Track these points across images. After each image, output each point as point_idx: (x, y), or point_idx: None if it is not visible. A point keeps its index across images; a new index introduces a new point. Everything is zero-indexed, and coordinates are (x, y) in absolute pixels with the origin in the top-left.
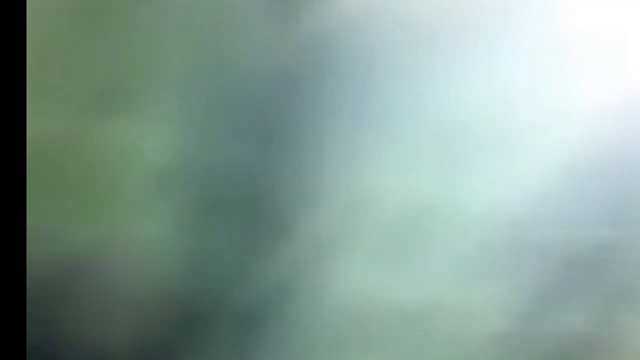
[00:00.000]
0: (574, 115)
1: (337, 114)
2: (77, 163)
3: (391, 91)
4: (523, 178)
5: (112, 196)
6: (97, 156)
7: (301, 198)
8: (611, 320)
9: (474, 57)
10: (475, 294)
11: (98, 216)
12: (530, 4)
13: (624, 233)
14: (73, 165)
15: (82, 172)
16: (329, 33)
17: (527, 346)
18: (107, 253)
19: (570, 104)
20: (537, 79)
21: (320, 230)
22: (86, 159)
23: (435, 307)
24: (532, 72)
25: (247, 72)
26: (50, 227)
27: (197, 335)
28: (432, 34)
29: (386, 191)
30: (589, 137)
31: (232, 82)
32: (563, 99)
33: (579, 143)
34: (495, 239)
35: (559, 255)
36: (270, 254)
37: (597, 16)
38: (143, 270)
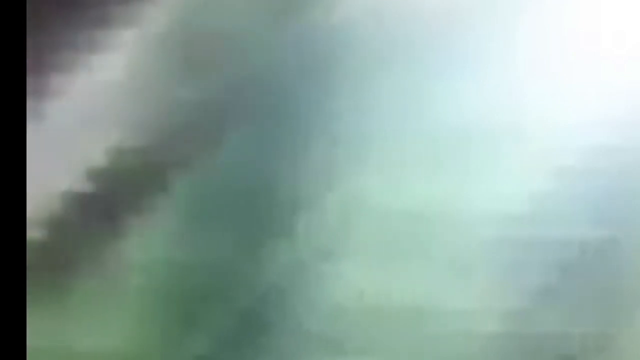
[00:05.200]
0: (573, 116)
1: (336, 118)
2: None
3: (391, 93)
4: (522, 178)
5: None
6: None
7: (300, 200)
8: (609, 320)
9: (472, 59)
10: (474, 294)
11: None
12: (534, 5)
13: (622, 233)
14: None
15: None
16: (328, 37)
17: (525, 346)
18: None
19: (569, 106)
20: (536, 81)
21: (320, 232)
22: None
23: (434, 307)
24: (531, 74)
25: (246, 73)
26: None
27: (197, 335)
28: (433, 35)
29: (385, 192)
30: (588, 138)
31: (232, 81)
32: (562, 100)
33: (578, 144)
34: (494, 238)
35: (557, 255)
36: (269, 256)
37: (597, 16)
38: (144, 268)
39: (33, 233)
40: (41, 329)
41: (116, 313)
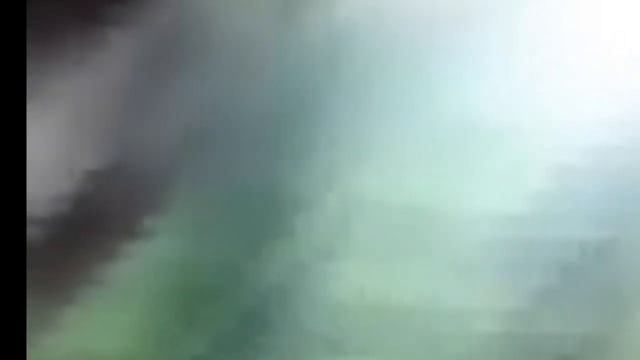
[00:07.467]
0: (573, 116)
1: (336, 118)
2: None
3: (391, 93)
4: (522, 178)
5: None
6: None
7: (301, 200)
8: (609, 320)
9: (472, 59)
10: (474, 294)
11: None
12: (534, 5)
13: (622, 233)
14: None
15: None
16: (329, 37)
17: (525, 346)
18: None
19: (569, 106)
20: (536, 81)
21: (320, 232)
22: None
23: (434, 307)
24: (531, 74)
25: (246, 73)
26: None
27: (197, 335)
28: (433, 35)
29: (385, 192)
30: (588, 138)
31: (231, 82)
32: (562, 100)
33: (578, 143)
34: (494, 238)
35: (557, 255)
36: (270, 256)
37: (597, 16)
38: (145, 267)
39: (34, 231)
40: (41, 330)
41: (116, 313)
